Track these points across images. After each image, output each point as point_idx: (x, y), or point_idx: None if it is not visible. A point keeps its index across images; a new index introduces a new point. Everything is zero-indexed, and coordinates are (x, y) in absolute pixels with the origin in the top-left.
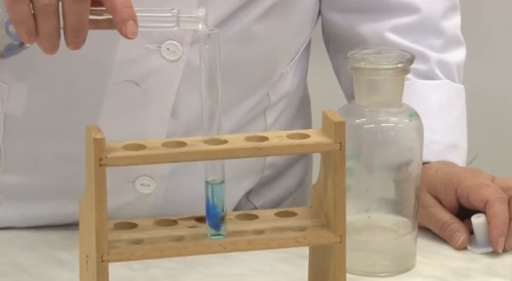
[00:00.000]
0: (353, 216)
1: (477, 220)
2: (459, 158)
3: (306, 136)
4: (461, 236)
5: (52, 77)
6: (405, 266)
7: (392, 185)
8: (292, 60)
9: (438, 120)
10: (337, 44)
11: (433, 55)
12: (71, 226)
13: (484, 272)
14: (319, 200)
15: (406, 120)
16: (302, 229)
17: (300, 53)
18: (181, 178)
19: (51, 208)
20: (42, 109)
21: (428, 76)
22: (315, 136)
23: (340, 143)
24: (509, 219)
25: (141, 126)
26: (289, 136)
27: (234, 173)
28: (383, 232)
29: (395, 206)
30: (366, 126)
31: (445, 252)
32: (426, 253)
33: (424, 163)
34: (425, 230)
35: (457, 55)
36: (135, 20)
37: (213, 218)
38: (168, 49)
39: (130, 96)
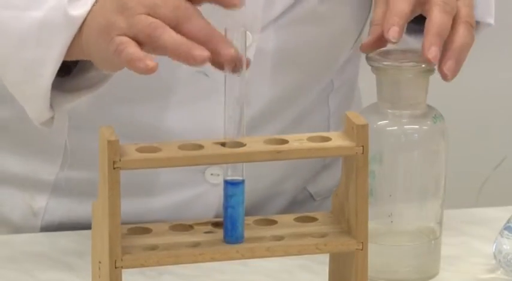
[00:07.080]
0: (375, 221)
1: None
2: None
3: (328, 139)
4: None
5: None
6: (429, 273)
7: (416, 189)
8: (355, 42)
9: None
10: None
11: None
12: (83, 230)
13: None
14: (340, 206)
15: (431, 123)
16: (323, 235)
17: (360, 34)
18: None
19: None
20: (109, 103)
21: None
22: (337, 139)
23: (363, 146)
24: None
25: (211, 117)
26: (310, 139)
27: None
28: (406, 237)
29: (419, 211)
30: (388, 128)
31: (471, 259)
32: (451, 259)
33: None
34: (450, 236)
35: None
36: None
37: (230, 222)
38: None
39: (200, 87)
